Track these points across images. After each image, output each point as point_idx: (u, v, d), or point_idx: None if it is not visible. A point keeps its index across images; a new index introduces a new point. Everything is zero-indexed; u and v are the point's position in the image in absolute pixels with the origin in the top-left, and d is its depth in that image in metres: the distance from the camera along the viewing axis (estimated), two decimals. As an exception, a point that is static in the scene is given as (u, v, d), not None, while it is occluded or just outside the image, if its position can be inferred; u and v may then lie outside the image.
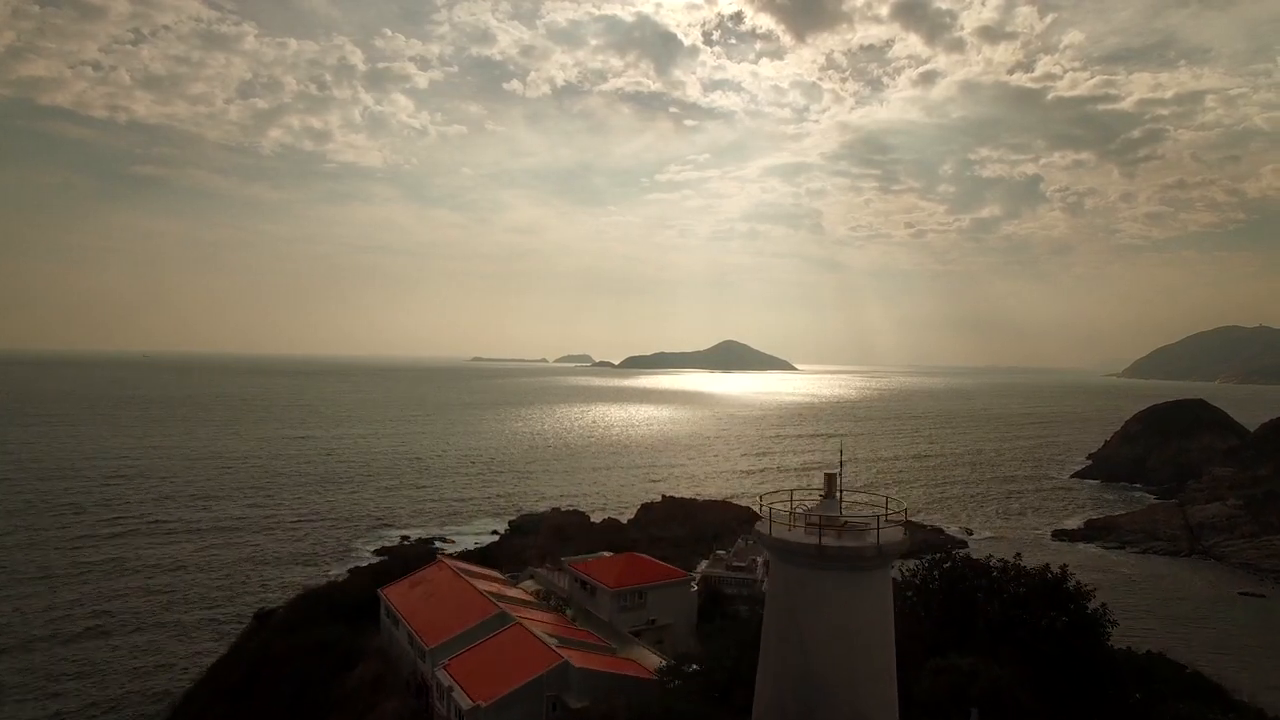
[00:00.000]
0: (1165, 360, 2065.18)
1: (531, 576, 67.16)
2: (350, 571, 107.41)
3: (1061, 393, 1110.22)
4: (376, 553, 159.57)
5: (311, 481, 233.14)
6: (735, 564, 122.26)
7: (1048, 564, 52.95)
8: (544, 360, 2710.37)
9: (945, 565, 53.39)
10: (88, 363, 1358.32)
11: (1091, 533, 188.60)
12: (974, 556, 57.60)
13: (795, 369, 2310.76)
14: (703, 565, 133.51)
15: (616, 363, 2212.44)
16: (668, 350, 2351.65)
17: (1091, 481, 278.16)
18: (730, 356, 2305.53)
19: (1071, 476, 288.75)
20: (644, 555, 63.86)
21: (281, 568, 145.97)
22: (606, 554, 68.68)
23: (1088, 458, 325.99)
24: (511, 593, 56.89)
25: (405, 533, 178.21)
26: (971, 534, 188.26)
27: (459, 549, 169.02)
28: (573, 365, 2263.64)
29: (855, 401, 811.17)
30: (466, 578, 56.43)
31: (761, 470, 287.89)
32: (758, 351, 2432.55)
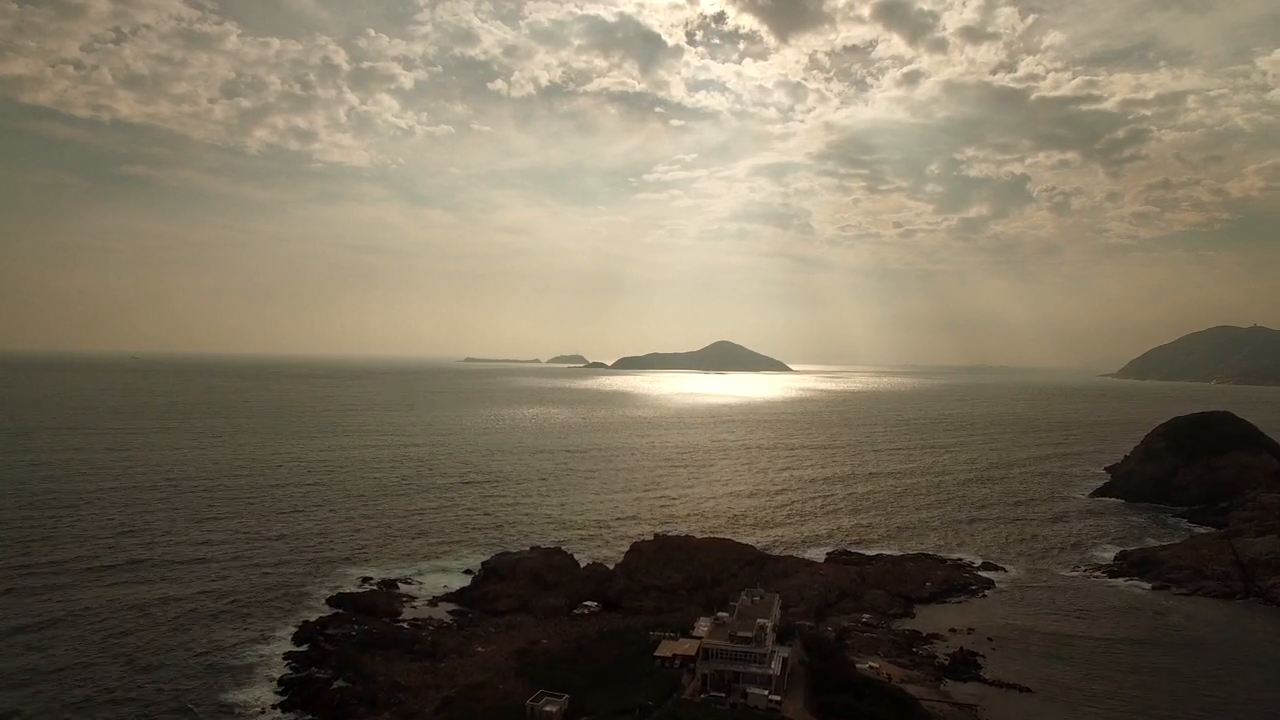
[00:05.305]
0: (1160, 360, 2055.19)
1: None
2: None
3: (1062, 394, 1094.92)
4: (329, 601, 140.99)
5: (275, 506, 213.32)
6: (741, 634, 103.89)
7: None
8: (537, 360, 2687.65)
9: None
10: (77, 365, 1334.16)
11: (1130, 568, 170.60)
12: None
13: (789, 369, 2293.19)
14: (702, 626, 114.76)
15: (610, 363, 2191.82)
16: (661, 351, 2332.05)
17: (1114, 501, 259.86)
18: (724, 357, 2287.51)
19: (1091, 495, 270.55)
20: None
21: (208, 629, 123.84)
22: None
23: (1106, 470, 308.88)
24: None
25: (368, 572, 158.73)
26: (998, 570, 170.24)
27: (426, 596, 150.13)
28: (566, 366, 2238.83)
29: (855, 405, 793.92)
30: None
31: (764, 495, 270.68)
32: (752, 352, 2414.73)
